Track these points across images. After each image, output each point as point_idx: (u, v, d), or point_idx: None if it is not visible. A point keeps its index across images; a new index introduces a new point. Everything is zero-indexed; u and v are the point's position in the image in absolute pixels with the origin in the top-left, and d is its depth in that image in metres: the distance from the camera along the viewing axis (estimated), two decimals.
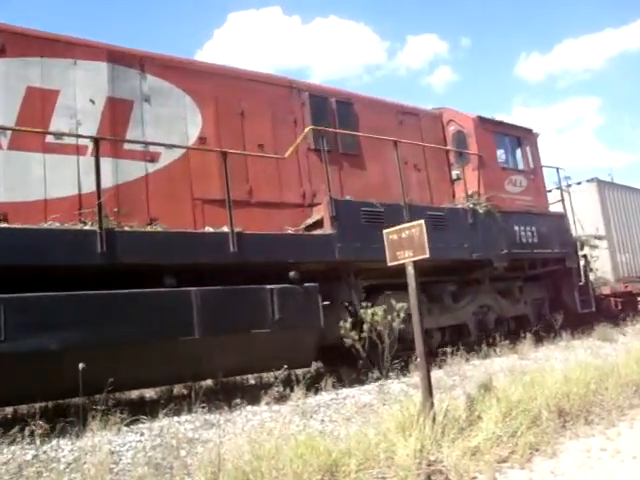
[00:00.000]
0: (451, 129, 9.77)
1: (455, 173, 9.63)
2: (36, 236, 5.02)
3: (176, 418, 5.09)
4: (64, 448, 4.35)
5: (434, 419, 4.20)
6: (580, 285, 10.60)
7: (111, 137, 5.99)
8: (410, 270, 4.80)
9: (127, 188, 6.07)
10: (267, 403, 5.49)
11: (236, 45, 60.59)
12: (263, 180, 7.17)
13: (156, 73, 6.59)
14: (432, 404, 4.39)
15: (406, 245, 4.89)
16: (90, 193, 5.70)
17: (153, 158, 6.31)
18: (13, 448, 4.20)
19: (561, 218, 10.53)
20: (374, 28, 68.48)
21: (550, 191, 11.55)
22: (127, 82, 6.33)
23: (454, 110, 9.82)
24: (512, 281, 9.97)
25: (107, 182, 5.86)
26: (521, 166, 10.29)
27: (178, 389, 6.47)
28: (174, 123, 6.60)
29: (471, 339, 9.02)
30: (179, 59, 6.92)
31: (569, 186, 11.86)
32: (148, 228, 5.73)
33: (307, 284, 6.60)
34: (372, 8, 59.69)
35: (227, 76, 7.23)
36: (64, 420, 4.66)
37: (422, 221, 4.79)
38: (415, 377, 6.06)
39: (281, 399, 5.64)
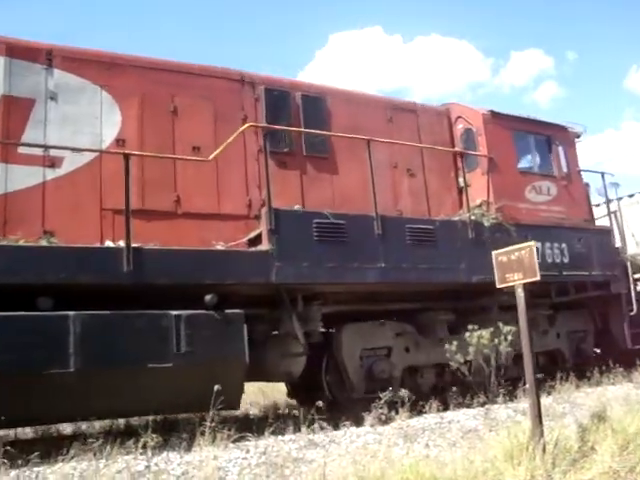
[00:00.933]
0: (459, 127, 8.41)
1: (463, 180, 8.25)
2: None
3: (281, 437, 5.28)
4: (173, 461, 4.59)
5: (544, 448, 4.11)
6: (631, 315, 8.74)
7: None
8: (520, 293, 4.93)
9: (17, 197, 5.43)
10: (371, 425, 5.63)
11: (337, 66, 61.00)
12: (196, 188, 6.33)
13: (66, 68, 5.98)
14: (542, 432, 4.29)
15: (515, 267, 5.04)
16: None
17: (54, 163, 5.68)
18: (127, 458, 4.47)
19: (605, 234, 8.79)
20: (477, 45, 66.66)
21: (598, 205, 9.76)
22: (28, 78, 5.74)
23: (463, 105, 8.48)
24: (536, 309, 8.34)
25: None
26: (551, 170, 8.68)
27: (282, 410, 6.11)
28: (85, 123, 5.94)
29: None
30: (96, 51, 6.27)
31: (620, 199, 9.93)
32: (21, 242, 5.03)
33: (229, 311, 5.62)
34: (475, 25, 57.88)
35: (157, 69, 6.48)
36: (176, 435, 4.99)
37: (532, 242, 4.88)
38: (522, 402, 6.14)
39: (385, 421, 5.75)
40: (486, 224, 7.54)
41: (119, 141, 6.06)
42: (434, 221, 7.21)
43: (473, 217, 7.49)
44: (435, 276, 6.99)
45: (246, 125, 6.26)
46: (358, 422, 5.72)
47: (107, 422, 6.56)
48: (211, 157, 5.98)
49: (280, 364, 6.39)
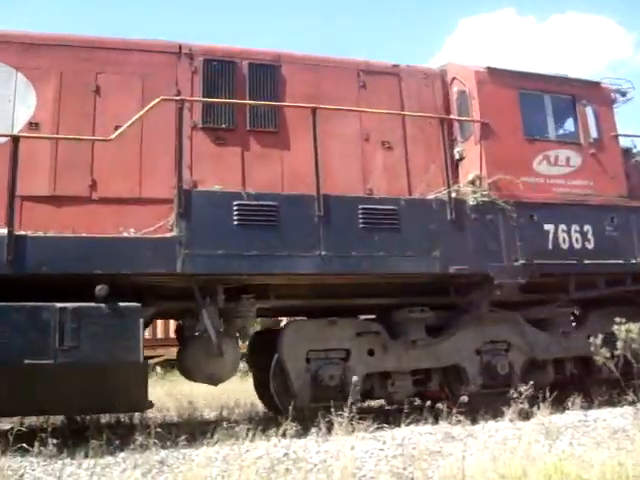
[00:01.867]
0: (454, 90, 7.27)
1: (457, 151, 7.13)
2: None
3: (417, 429, 5.36)
4: (311, 449, 4.78)
5: None
6: None
7: None
8: None
9: None
10: (510, 420, 5.57)
11: (467, 52, 58.92)
12: (116, 171, 5.97)
13: None
14: None
15: None
16: None
17: None
18: (267, 444, 4.78)
19: None
20: (618, 19, 60.76)
21: None
22: None
23: (458, 64, 7.30)
24: (553, 306, 7.03)
25: None
26: (574, 136, 7.23)
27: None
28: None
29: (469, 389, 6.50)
30: (11, 32, 6.11)
31: None
32: None
33: (123, 304, 5.20)
34: None
35: (80, 47, 6.20)
36: (312, 424, 5.21)
37: None
38: None
39: (525, 416, 5.70)
40: (471, 203, 6.39)
41: (32, 124, 5.87)
42: (398, 200, 6.26)
43: (454, 194, 6.39)
44: (397, 266, 6.08)
45: (157, 99, 5.76)
46: (497, 416, 5.74)
47: (248, 409, 7.18)
48: (114, 136, 5.59)
49: (202, 365, 5.87)
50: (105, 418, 6.64)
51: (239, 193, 5.77)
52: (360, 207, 6.06)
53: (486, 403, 6.22)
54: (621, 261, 6.91)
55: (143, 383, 5.36)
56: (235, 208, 5.68)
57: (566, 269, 6.71)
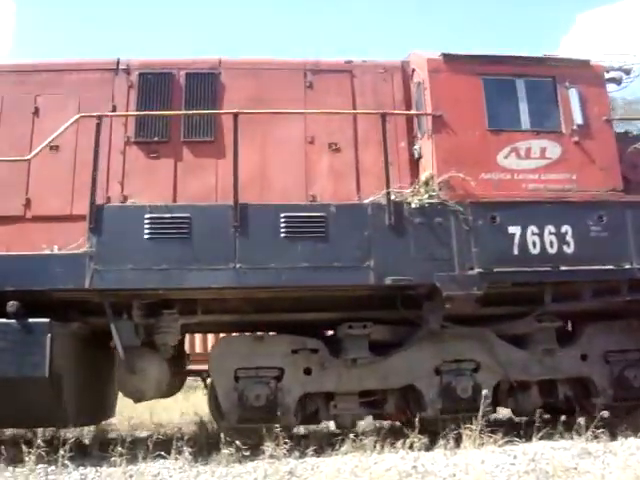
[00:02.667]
0: (414, 82, 6.76)
1: (416, 149, 6.62)
2: None
3: (550, 443, 5.30)
4: (440, 463, 4.83)
5: None
6: None
7: None
8: None
9: None
10: None
11: (585, 49, 55.52)
12: (50, 189, 6.21)
13: None
14: None
15: None
16: None
17: None
18: (394, 457, 4.94)
19: None
20: None
21: None
22: None
23: (418, 54, 6.76)
24: (535, 321, 6.27)
25: None
26: (553, 124, 6.40)
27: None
28: None
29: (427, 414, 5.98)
30: None
31: None
32: None
33: (31, 320, 5.39)
34: None
35: (19, 72, 6.56)
36: (439, 436, 5.26)
37: None
38: None
39: None
40: (413, 205, 5.87)
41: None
42: (327, 206, 5.89)
43: (393, 197, 5.91)
44: (323, 278, 5.72)
45: (75, 117, 5.93)
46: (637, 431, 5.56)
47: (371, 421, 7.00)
48: (30, 156, 5.84)
49: (124, 381, 5.89)
50: None
51: (152, 206, 5.74)
52: (282, 215, 5.78)
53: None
54: (611, 267, 5.96)
55: (55, 397, 5.47)
56: (146, 222, 5.66)
57: (536, 277, 5.93)
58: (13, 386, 5.34)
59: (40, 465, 4.78)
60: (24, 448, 4.82)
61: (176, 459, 4.95)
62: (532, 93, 6.46)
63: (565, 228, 6.01)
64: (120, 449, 4.76)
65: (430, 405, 6.08)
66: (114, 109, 6.47)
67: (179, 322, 5.98)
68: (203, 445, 5.67)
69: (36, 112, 6.45)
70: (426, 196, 5.99)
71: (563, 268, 5.93)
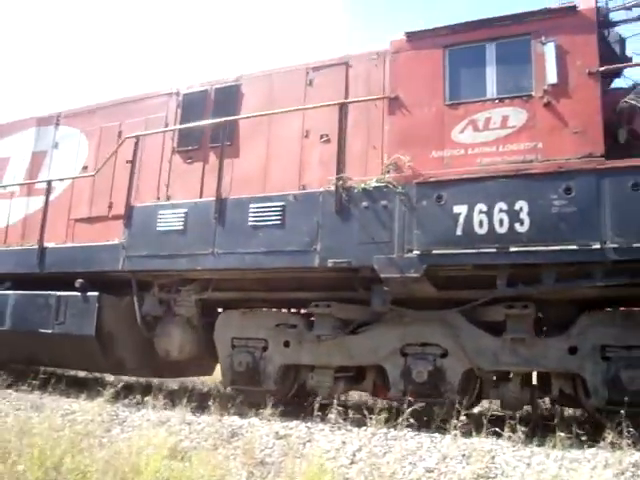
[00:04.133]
0: None
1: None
2: None
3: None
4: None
5: None
6: None
7: (28, 182, 9.29)
8: None
9: (33, 217, 9.15)
10: None
11: None
12: (122, 194, 8.42)
13: (65, 123, 9.31)
14: None
15: None
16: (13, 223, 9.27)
17: (51, 190, 9.05)
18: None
19: (629, 173, 5.28)
20: None
21: None
22: (46, 137, 9.41)
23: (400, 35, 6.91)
24: (504, 307, 6.08)
25: (21, 215, 9.23)
26: (523, 87, 5.94)
27: None
28: (71, 159, 9.09)
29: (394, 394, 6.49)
30: (80, 107, 9.28)
31: None
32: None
33: (89, 293, 7.70)
34: None
35: (110, 106, 8.93)
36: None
37: None
38: None
39: None
40: (355, 190, 6.32)
41: (84, 168, 8.88)
42: (286, 196, 6.74)
43: (341, 182, 6.43)
44: (277, 260, 6.63)
45: (123, 139, 8.00)
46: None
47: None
48: (95, 173, 8.13)
49: (159, 342, 7.73)
50: (569, 412, 7.05)
51: (162, 204, 7.44)
52: (251, 206, 6.84)
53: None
54: (574, 247, 5.36)
55: (101, 351, 7.63)
56: (158, 217, 7.38)
57: (480, 260, 5.72)
58: (78, 341, 7.68)
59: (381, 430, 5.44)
60: (366, 413, 5.62)
61: (509, 437, 4.98)
62: (504, 57, 6.10)
63: (520, 204, 5.61)
64: (455, 422, 5.06)
65: (394, 386, 6.38)
66: (166, 126, 8.33)
67: (193, 297, 7.55)
68: (538, 425, 5.76)
69: (119, 135, 8.72)
70: (374, 180, 6.29)
71: (513, 249, 5.57)
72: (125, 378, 9.15)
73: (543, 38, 5.86)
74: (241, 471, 4.85)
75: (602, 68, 5.66)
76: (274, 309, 7.52)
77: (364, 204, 6.29)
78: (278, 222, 6.67)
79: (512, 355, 5.98)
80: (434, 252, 5.87)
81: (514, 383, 6.07)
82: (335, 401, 5.91)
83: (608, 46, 6.30)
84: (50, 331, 7.86)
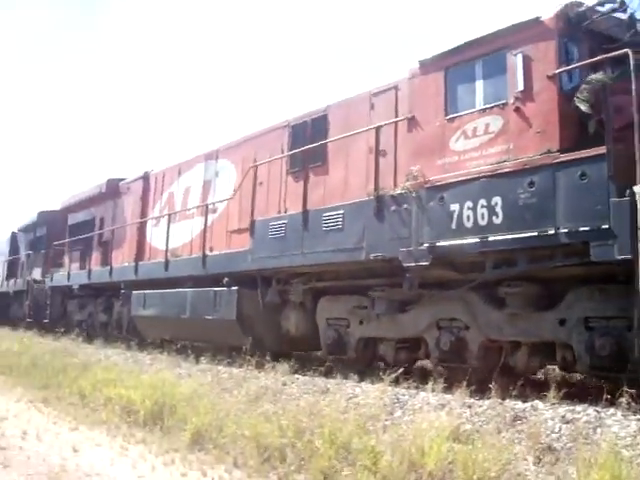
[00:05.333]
0: None
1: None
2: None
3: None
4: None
5: None
6: None
7: (203, 204, 12.79)
8: None
9: (206, 231, 12.58)
10: None
11: None
12: (260, 209, 11.27)
13: (222, 156, 12.51)
14: None
15: None
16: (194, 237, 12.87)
17: (215, 210, 12.36)
18: None
19: (589, 164, 6.22)
20: None
21: None
22: (210, 168, 12.75)
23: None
24: (504, 283, 7.40)
25: (198, 230, 12.76)
26: (500, 96, 7.10)
27: None
28: (227, 184, 12.26)
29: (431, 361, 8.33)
30: (229, 142, 12.35)
31: None
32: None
33: (232, 288, 10.75)
34: None
35: (247, 140, 11.79)
36: None
37: None
38: None
39: None
40: (387, 197, 8.14)
41: (235, 191, 11.93)
42: (344, 206, 8.79)
43: (378, 192, 8.27)
44: (339, 256, 8.77)
45: (248, 170, 10.78)
46: None
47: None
48: (232, 195, 11.08)
49: (282, 323, 10.38)
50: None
51: (269, 218, 10.03)
52: (323, 215, 9.04)
53: None
54: (535, 233, 6.50)
55: (240, 331, 10.52)
56: (270, 227, 10.00)
57: (467, 249, 7.11)
58: (226, 323, 10.71)
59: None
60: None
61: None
62: (488, 71, 7.30)
63: (495, 200, 6.88)
64: None
65: (432, 354, 8.01)
66: (282, 152, 10.86)
67: (300, 287, 9.99)
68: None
69: (254, 160, 11.50)
70: (399, 188, 7.97)
71: (491, 239, 6.86)
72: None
73: (514, 50, 6.95)
74: (527, 456, 4.99)
75: (558, 70, 6.56)
76: (355, 295, 9.54)
77: (392, 208, 8.04)
78: (340, 226, 8.75)
79: (512, 327, 7.19)
80: (437, 244, 7.40)
81: (522, 352, 7.25)
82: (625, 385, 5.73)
83: (597, 37, 7.00)
84: (210, 317, 11.08)
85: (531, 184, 6.60)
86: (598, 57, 6.51)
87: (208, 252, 11.78)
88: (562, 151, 6.45)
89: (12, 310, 22.25)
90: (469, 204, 7.13)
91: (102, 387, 8.87)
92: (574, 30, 6.93)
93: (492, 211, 6.90)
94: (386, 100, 9.11)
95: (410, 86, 8.23)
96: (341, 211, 8.85)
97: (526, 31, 6.96)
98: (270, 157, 10.91)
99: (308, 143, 10.21)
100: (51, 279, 18.44)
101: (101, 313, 16.25)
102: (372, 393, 6.88)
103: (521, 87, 6.84)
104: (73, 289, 17.26)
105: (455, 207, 7.27)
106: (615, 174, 5.96)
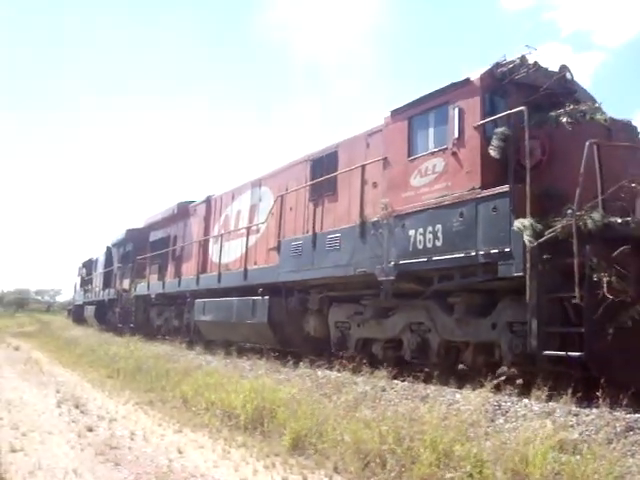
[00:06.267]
0: None
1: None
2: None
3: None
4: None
5: None
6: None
7: (248, 226, 15.25)
8: None
9: (251, 249, 15.00)
10: None
11: None
12: (289, 231, 13.50)
13: (264, 184, 14.88)
14: None
15: None
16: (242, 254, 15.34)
17: (258, 230, 14.76)
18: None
19: (497, 198, 7.97)
20: None
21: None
22: (256, 194, 15.17)
23: None
24: (455, 294, 9.19)
25: (246, 246, 15.21)
26: (443, 143, 8.92)
27: None
28: (268, 208, 14.59)
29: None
30: (269, 172, 14.70)
31: None
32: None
33: (265, 297, 13.09)
34: None
35: (282, 171, 14.06)
36: None
37: None
38: None
39: None
40: (368, 223, 10.15)
41: (272, 214, 14.22)
42: (342, 229, 10.85)
43: (362, 219, 10.29)
44: (336, 272, 10.86)
45: (277, 197, 13.07)
46: None
47: None
48: (266, 219, 13.41)
49: (304, 326, 12.57)
50: None
51: (293, 238, 12.24)
52: (327, 237, 11.14)
53: None
54: (461, 254, 8.28)
55: (271, 332, 12.80)
56: (291, 247, 12.23)
57: (417, 266, 8.97)
58: (261, 326, 13.02)
59: None
60: None
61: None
62: (437, 121, 9.12)
63: (438, 227, 8.73)
64: None
65: (407, 352, 9.88)
66: (305, 182, 13.04)
67: (317, 296, 12.11)
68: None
69: (287, 189, 13.73)
70: (376, 216, 9.92)
71: (435, 258, 8.68)
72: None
73: (452, 104, 8.76)
74: None
75: (480, 122, 8.31)
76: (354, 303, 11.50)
77: (372, 232, 10.01)
78: (338, 247, 10.82)
79: (460, 330, 8.95)
80: (400, 262, 9.29)
81: (469, 350, 8.97)
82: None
83: (526, 88, 8.65)
84: (250, 321, 13.43)
85: (461, 215, 8.40)
86: (500, 114, 8.31)
87: (249, 267, 14.17)
88: (483, 188, 8.21)
89: (108, 316, 25.92)
90: (421, 230, 8.99)
91: (203, 391, 9.32)
92: (500, 86, 8.65)
93: (435, 236, 8.73)
94: (376, 140, 11.06)
95: (385, 131, 10.19)
96: (339, 234, 10.93)
97: (461, 89, 8.78)
98: (297, 186, 13.15)
99: (324, 175, 12.34)
100: (135, 289, 21.76)
101: (174, 319, 19.15)
102: (473, 399, 7.05)
103: (456, 135, 8.66)
104: (152, 298, 20.36)
105: (412, 232, 9.15)
106: (514, 208, 7.67)
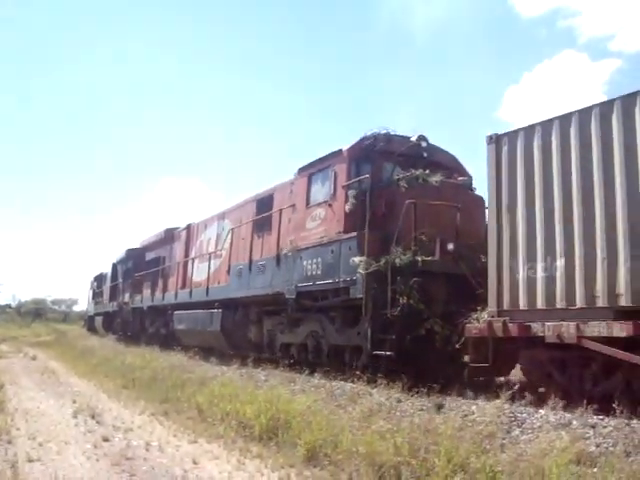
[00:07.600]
0: None
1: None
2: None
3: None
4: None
5: None
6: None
7: (213, 251, 18.63)
8: None
9: (214, 270, 18.36)
10: None
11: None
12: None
13: (226, 217, 18.23)
14: None
15: None
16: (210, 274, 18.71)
17: (220, 255, 18.08)
18: None
19: (350, 241, 11.15)
20: None
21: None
22: (221, 225, 18.53)
23: None
24: (335, 310, 12.35)
25: (212, 268, 18.58)
26: (326, 197, 12.14)
27: None
28: (228, 238, 17.90)
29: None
30: (228, 208, 18.05)
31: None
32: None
33: (219, 310, 16.42)
34: None
35: (237, 208, 17.41)
36: None
37: None
38: None
39: None
40: (282, 254, 13.42)
41: (230, 244, 17.52)
42: (266, 258, 14.13)
43: (278, 251, 13.56)
44: (261, 291, 14.17)
45: (229, 230, 16.41)
46: None
47: None
48: (223, 247, 16.77)
49: (247, 333, 15.84)
50: None
51: (236, 263, 15.54)
52: (256, 264, 14.43)
53: None
54: (330, 280, 11.49)
55: (222, 339, 16.10)
56: (237, 270, 15.54)
57: (308, 288, 12.21)
58: (215, 334, 16.32)
59: None
60: None
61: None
62: (323, 179, 12.39)
63: (318, 260, 11.94)
64: None
65: (310, 353, 13.05)
66: (252, 218, 16.32)
67: (254, 310, 15.36)
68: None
69: (240, 222, 17.03)
70: (287, 249, 13.16)
71: (317, 282, 11.89)
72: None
73: (331, 168, 12.00)
74: None
75: (345, 183, 11.51)
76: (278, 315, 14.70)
77: (284, 261, 13.26)
78: (263, 271, 14.09)
79: (339, 337, 12.09)
80: (298, 285, 12.51)
81: (347, 352, 12.08)
82: None
83: (390, 154, 11.82)
84: (209, 329, 16.74)
85: (332, 251, 11.62)
86: (354, 179, 11.49)
87: (211, 285, 17.50)
88: (344, 233, 11.42)
89: (113, 325, 29.55)
90: (310, 261, 12.24)
91: (218, 402, 9.44)
92: (365, 154, 11.83)
93: (318, 266, 11.96)
94: (295, 188, 14.31)
95: (295, 183, 13.49)
96: (264, 262, 14.23)
97: (337, 157, 12.08)
98: (247, 221, 16.45)
99: (264, 213, 15.61)
100: (132, 302, 25.31)
101: (162, 327, 22.60)
102: (488, 410, 7.11)
103: (332, 192, 11.92)
104: (145, 310, 23.90)
105: (305, 263, 12.41)
106: (359, 248, 10.84)
